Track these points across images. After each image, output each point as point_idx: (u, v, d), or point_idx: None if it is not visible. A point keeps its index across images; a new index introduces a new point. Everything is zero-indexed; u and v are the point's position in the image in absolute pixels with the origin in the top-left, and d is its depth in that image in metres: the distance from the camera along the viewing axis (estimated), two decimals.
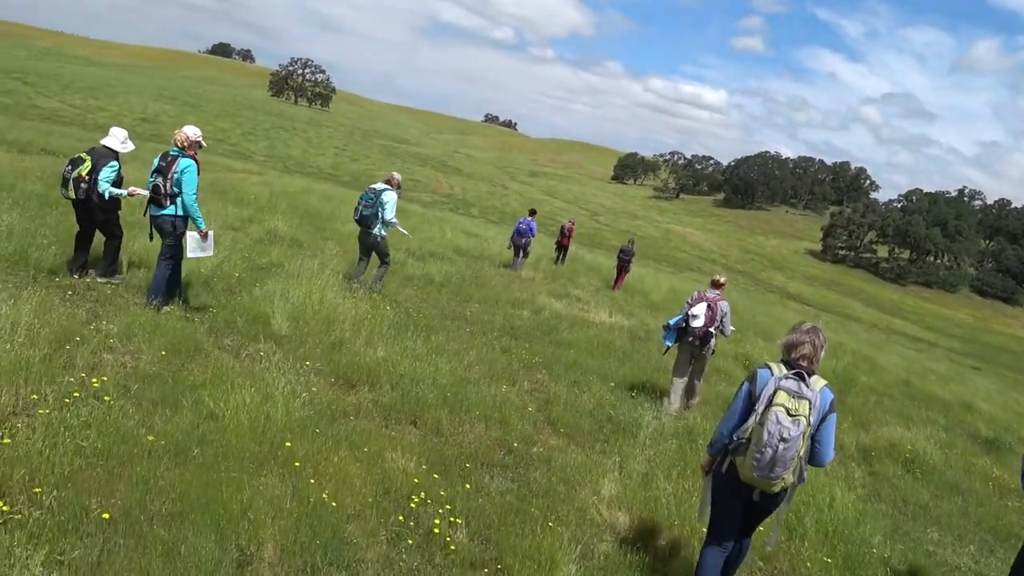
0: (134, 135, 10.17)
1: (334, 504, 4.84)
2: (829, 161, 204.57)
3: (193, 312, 8.60)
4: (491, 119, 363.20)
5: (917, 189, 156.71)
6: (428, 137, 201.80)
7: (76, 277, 8.92)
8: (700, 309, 9.48)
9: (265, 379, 6.73)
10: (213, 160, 44.63)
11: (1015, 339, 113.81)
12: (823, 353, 4.60)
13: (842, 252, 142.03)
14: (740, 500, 4.67)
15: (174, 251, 8.36)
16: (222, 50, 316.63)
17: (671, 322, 9.75)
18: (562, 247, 25.92)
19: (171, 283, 8.48)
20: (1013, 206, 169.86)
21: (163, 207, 8.19)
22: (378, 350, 8.42)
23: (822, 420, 4.45)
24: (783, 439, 4.27)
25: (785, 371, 4.45)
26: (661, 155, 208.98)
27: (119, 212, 9.24)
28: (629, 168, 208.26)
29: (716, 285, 9.92)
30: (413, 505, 5.18)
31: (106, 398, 5.52)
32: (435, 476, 5.69)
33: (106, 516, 4.11)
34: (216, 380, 6.28)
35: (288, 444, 5.47)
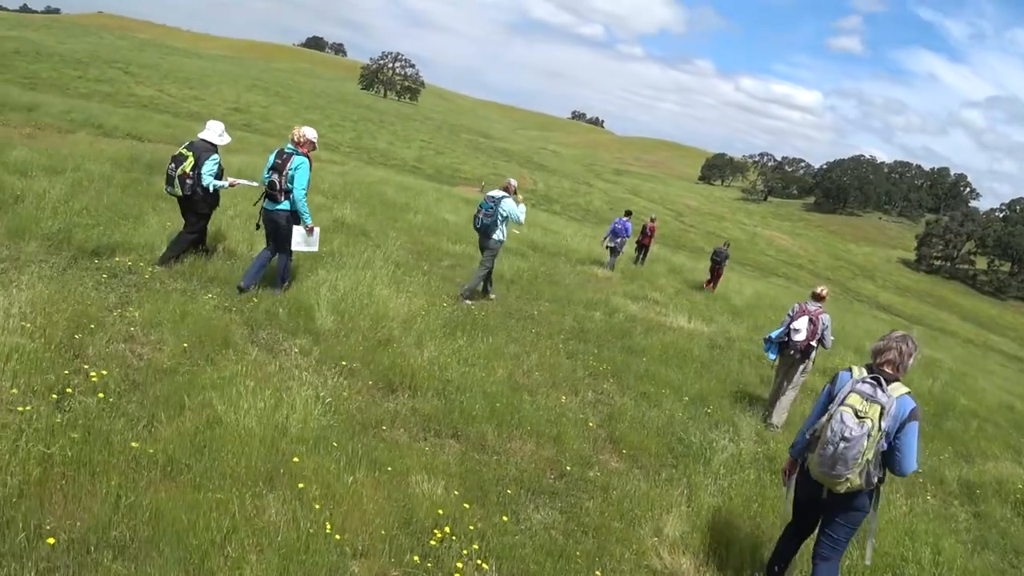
0: (226, 124, 9.90)
1: (338, 537, 4.08)
2: (927, 167, 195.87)
3: (238, 302, 8.02)
4: (578, 116, 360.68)
5: (1022, 198, 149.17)
6: (514, 133, 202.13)
7: (163, 267, 8.78)
8: (802, 323, 9.45)
9: (288, 380, 6.01)
10: None
11: None
12: (911, 361, 4.59)
13: (937, 262, 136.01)
14: (811, 498, 4.77)
15: (288, 244, 8.67)
16: (315, 44, 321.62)
17: (772, 335, 9.79)
18: (643, 246, 25.40)
19: (285, 272, 8.89)
20: None
21: (278, 202, 8.50)
22: (427, 350, 7.67)
23: (900, 428, 4.40)
24: (844, 438, 4.33)
25: (864, 374, 4.52)
26: (750, 156, 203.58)
27: (215, 206, 9.41)
28: (716, 169, 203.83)
29: (817, 298, 9.84)
30: (435, 541, 4.38)
31: (100, 395, 4.86)
32: (466, 506, 4.87)
33: (51, 541, 3.42)
34: (231, 379, 5.57)
35: (296, 459, 4.73)
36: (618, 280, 18.66)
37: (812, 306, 9.61)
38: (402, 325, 8.36)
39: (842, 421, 4.35)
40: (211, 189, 8.86)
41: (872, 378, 4.45)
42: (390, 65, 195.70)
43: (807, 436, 4.72)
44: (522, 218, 11.73)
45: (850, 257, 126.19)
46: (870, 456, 4.35)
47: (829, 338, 9.70)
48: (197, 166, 8.67)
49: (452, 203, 27.29)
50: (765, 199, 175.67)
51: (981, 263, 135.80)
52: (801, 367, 9.57)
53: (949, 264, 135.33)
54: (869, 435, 4.31)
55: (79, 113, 29.05)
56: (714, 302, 20.13)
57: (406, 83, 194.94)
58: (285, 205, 8.49)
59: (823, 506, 4.73)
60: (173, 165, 8.68)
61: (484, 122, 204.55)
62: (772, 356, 9.85)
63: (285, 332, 7.54)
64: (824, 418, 4.53)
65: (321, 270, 9.60)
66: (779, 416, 9.54)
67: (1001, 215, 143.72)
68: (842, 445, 4.33)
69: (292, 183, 8.37)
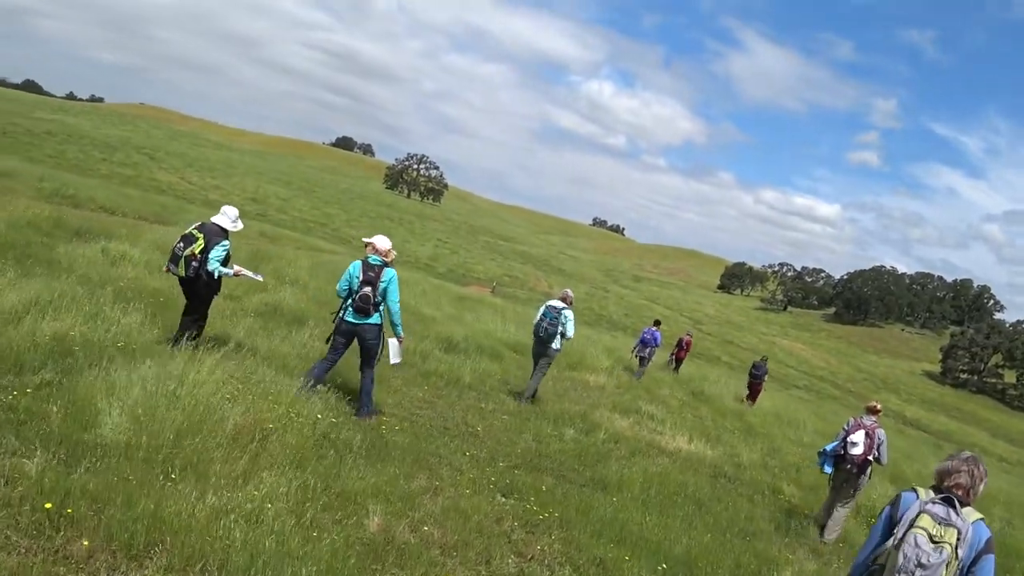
0: (241, 212, 9.52)
1: None
2: (948, 278, 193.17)
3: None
4: (599, 223, 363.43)
5: None
6: (534, 236, 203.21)
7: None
8: (859, 437, 9.41)
9: None
10: (305, 240, 43.30)
11: None
12: (982, 487, 4.13)
13: (964, 376, 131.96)
14: None
15: (374, 359, 8.53)
16: (345, 144, 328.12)
17: (828, 448, 9.70)
18: (678, 360, 25.33)
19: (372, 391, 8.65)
20: None
21: (369, 316, 8.35)
22: (228, 493, 4.97)
23: (975, 561, 3.93)
24: (920, 564, 3.88)
25: (933, 495, 4.08)
26: (770, 266, 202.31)
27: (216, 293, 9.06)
28: (736, 278, 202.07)
29: (872, 411, 9.91)
30: None
31: None
32: None
33: None
34: None
35: None
36: (613, 389, 15.96)
37: (868, 420, 9.64)
38: (231, 442, 5.71)
39: (916, 545, 3.92)
40: (216, 275, 8.58)
41: (943, 498, 4.04)
42: (415, 166, 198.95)
43: (870, 565, 4.15)
44: (570, 333, 11.99)
45: (872, 369, 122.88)
46: None
47: (885, 453, 9.68)
48: (206, 250, 8.46)
49: (440, 298, 24.93)
50: (784, 309, 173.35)
51: (1009, 376, 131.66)
52: (858, 482, 9.50)
53: (976, 377, 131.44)
54: (947, 564, 3.87)
55: (51, 182, 27.35)
56: (723, 418, 17.27)
57: (430, 184, 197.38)
58: (376, 319, 8.42)
59: None
60: (182, 244, 8.48)
61: (505, 225, 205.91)
62: (828, 470, 9.66)
63: (51, 445, 4.91)
64: (890, 543, 4.04)
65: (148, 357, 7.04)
66: (833, 532, 9.39)
67: None
68: (919, 573, 3.89)
69: (384, 296, 8.34)
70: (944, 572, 3.88)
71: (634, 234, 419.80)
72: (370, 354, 8.48)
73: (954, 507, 4.00)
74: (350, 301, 8.39)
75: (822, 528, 9.47)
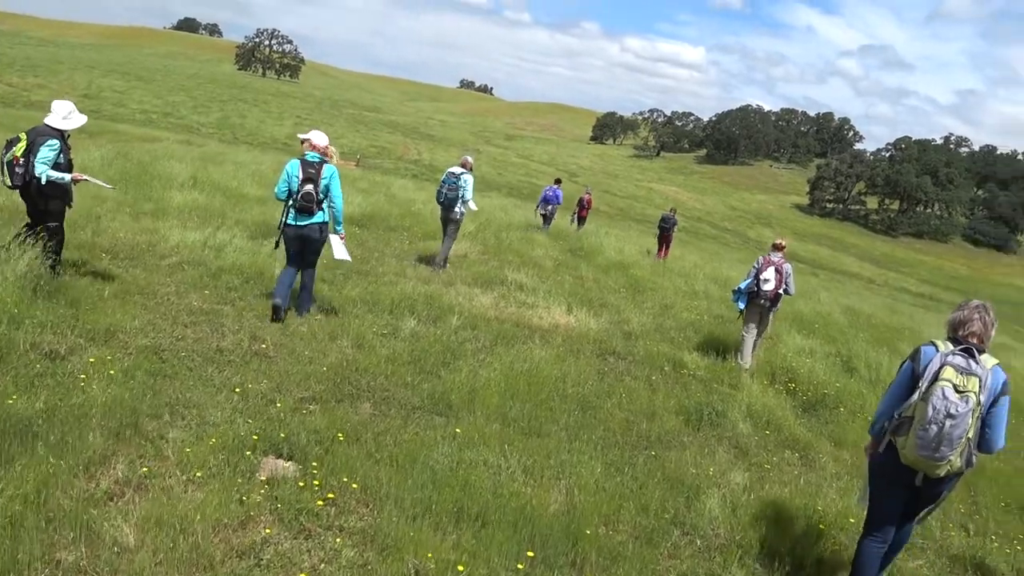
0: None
1: None
2: (811, 113, 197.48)
3: None
4: (467, 85, 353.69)
5: (906, 137, 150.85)
6: (401, 105, 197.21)
7: None
8: (770, 273, 9.85)
9: None
10: (132, 131, 38.20)
11: (1015, 289, 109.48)
12: (993, 332, 4.26)
13: (830, 205, 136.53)
14: (901, 486, 4.34)
15: (316, 258, 8.12)
16: (188, 25, 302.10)
17: (742, 286, 10.05)
18: (580, 218, 24.93)
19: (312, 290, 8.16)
20: (1000, 152, 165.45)
21: (313, 215, 7.83)
22: None
23: (993, 403, 4.09)
24: (950, 415, 3.95)
25: (952, 348, 4.14)
26: (640, 113, 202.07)
27: (68, 205, 7.67)
28: (608, 128, 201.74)
29: (778, 248, 10.26)
30: None
31: None
32: None
33: None
34: None
35: None
36: (477, 257, 13.46)
37: (775, 257, 10.04)
38: None
39: (945, 397, 3.96)
40: (43, 180, 7.20)
41: (963, 350, 4.09)
42: (266, 43, 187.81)
43: (895, 417, 4.22)
44: (469, 196, 12.04)
45: (746, 206, 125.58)
46: (971, 434, 4.04)
47: (793, 284, 10.27)
48: (31, 152, 7.17)
49: (263, 170, 21.60)
50: (658, 155, 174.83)
51: (872, 203, 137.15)
52: (770, 314, 10.11)
53: (841, 206, 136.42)
54: (973, 412, 3.98)
55: None
56: (607, 274, 15.06)
57: (285, 60, 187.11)
58: (320, 217, 7.89)
59: (916, 493, 4.33)
60: (4, 149, 7.27)
61: (370, 96, 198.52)
62: (741, 306, 10.07)
63: None
64: (915, 396, 4.10)
65: None
66: (749, 360, 9.79)
67: (887, 155, 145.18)
68: (948, 424, 3.95)
69: (325, 193, 7.85)
70: (970, 419, 3.97)
71: (503, 93, 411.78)
72: (311, 255, 8.00)
73: (973, 357, 4.06)
74: (292, 202, 7.83)
75: (738, 353, 9.86)
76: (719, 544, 4.81)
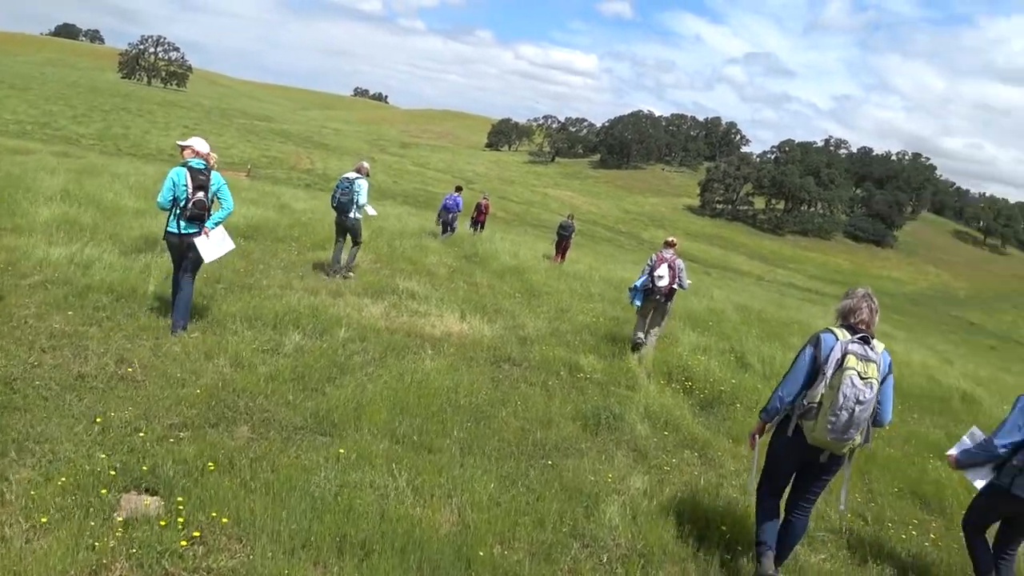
0: None
1: None
2: (700, 118, 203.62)
3: None
4: (361, 93, 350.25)
5: (789, 140, 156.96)
6: (294, 114, 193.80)
7: None
8: (663, 270, 10.24)
9: None
10: (3, 143, 35.89)
11: (892, 281, 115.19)
12: (878, 318, 4.57)
13: (720, 206, 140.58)
14: (801, 462, 4.68)
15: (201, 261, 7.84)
16: (67, 31, 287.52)
17: (638, 284, 10.42)
18: (478, 223, 24.85)
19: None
20: (875, 153, 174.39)
21: (204, 221, 7.63)
22: None
23: (882, 381, 4.43)
24: (859, 401, 4.26)
25: (849, 335, 4.42)
26: (535, 120, 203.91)
27: None
28: (503, 135, 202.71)
29: (670, 245, 10.71)
30: None
31: None
32: None
33: None
34: None
35: None
36: (370, 266, 13.04)
37: (668, 254, 10.45)
38: None
39: (853, 385, 4.27)
40: None
41: (860, 338, 4.41)
42: (151, 50, 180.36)
43: (804, 404, 4.48)
44: (363, 201, 11.95)
45: (639, 209, 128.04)
46: (869, 415, 4.37)
47: (686, 279, 10.76)
48: None
49: (144, 181, 20.60)
50: (553, 160, 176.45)
51: (759, 203, 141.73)
52: (666, 308, 10.53)
53: (730, 207, 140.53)
54: (875, 395, 4.33)
55: None
56: (502, 280, 14.86)
57: (171, 68, 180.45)
58: (209, 223, 7.68)
59: (816, 468, 4.67)
60: None
61: (261, 105, 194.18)
62: (638, 303, 10.46)
63: None
64: (822, 385, 4.38)
65: None
66: (649, 352, 10.10)
67: (772, 157, 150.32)
68: (858, 409, 4.27)
69: (217, 200, 7.81)
70: (874, 402, 4.34)
71: (398, 101, 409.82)
72: (197, 263, 7.73)
73: (869, 344, 4.40)
74: (178, 211, 7.49)
75: (636, 346, 10.26)
76: (620, 555, 4.63)
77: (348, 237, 12.18)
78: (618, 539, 4.75)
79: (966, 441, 5.25)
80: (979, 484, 5.12)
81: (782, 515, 4.81)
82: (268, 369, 6.47)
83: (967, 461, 5.08)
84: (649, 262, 10.46)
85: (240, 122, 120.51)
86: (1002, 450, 4.85)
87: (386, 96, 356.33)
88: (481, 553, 4.14)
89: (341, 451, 5.07)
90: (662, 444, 7.02)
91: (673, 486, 5.88)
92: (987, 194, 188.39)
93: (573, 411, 7.23)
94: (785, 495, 4.87)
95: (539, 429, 6.51)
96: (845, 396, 4.24)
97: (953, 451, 5.26)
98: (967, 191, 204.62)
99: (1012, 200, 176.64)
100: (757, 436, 4.92)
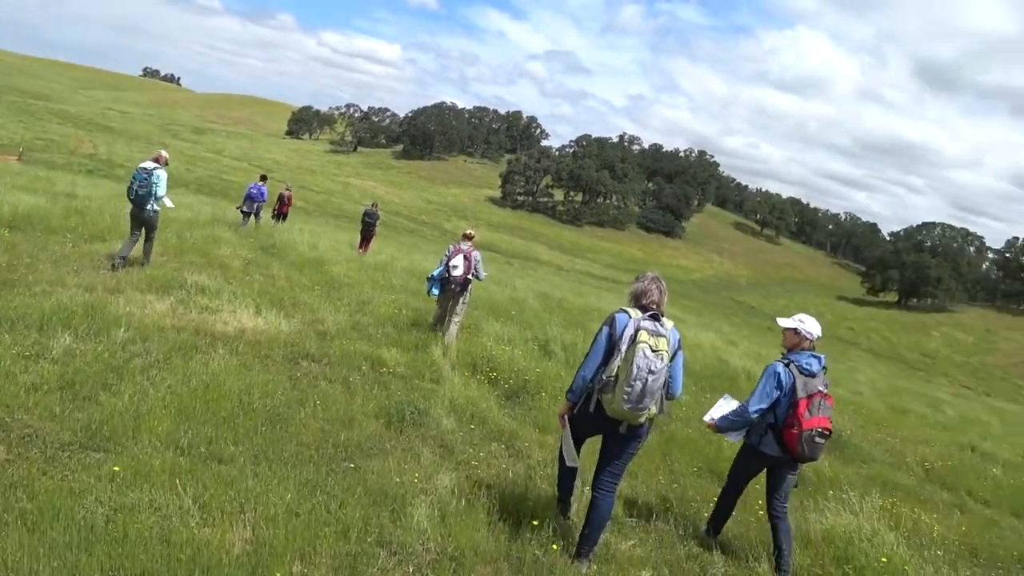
0: None
1: None
2: (502, 111, 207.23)
3: None
4: (151, 73, 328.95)
5: (586, 135, 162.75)
6: (76, 93, 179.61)
7: None
8: (459, 260, 10.53)
9: None
10: None
11: (680, 269, 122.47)
12: (666, 298, 4.97)
13: (521, 198, 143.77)
14: (604, 433, 5.00)
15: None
16: None
17: (435, 273, 10.66)
18: (281, 214, 24.56)
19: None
20: (665, 149, 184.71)
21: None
22: None
23: (673, 356, 4.83)
24: (651, 371, 4.58)
25: (641, 314, 4.78)
26: (337, 108, 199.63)
27: None
28: (304, 123, 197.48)
29: (468, 238, 10.96)
30: None
31: None
32: None
33: None
34: None
35: None
36: (154, 260, 12.02)
37: (464, 245, 10.73)
38: None
39: (645, 356, 4.58)
40: None
41: (651, 316, 4.76)
42: None
43: (602, 379, 4.77)
44: (161, 192, 11.56)
45: (442, 200, 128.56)
46: (662, 385, 4.69)
47: (482, 271, 11.02)
48: None
49: None
50: (355, 150, 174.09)
51: (558, 195, 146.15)
52: (462, 299, 10.70)
53: (531, 199, 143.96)
54: (666, 367, 4.68)
55: None
56: (301, 272, 14.26)
57: None
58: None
59: (616, 440, 4.94)
60: None
61: (38, 82, 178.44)
62: (435, 292, 10.71)
63: None
64: (617, 359, 4.68)
65: None
66: (452, 340, 10.38)
67: (571, 151, 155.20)
68: (650, 379, 4.58)
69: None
70: (665, 373, 4.69)
71: (192, 84, 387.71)
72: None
73: (659, 320, 4.79)
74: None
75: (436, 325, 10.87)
76: (430, 560, 4.39)
77: (143, 230, 11.56)
78: (427, 543, 4.52)
79: (722, 405, 5.97)
80: (733, 439, 5.90)
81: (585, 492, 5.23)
82: (31, 378, 5.68)
83: (726, 426, 5.70)
84: (447, 252, 10.73)
85: (11, 100, 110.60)
86: (754, 415, 5.46)
87: (179, 78, 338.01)
88: (279, 574, 3.77)
89: (116, 468, 4.47)
90: (469, 438, 6.89)
91: (482, 482, 5.73)
92: (763, 189, 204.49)
93: (376, 408, 6.94)
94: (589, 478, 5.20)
95: (341, 430, 6.17)
96: (639, 367, 4.55)
97: (711, 417, 5.89)
98: (746, 186, 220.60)
99: (784, 195, 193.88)
100: (565, 416, 5.11)
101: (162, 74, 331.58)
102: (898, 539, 5.83)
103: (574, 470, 5.28)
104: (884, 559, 5.47)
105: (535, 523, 5.03)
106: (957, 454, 12.68)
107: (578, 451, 5.15)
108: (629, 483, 6.74)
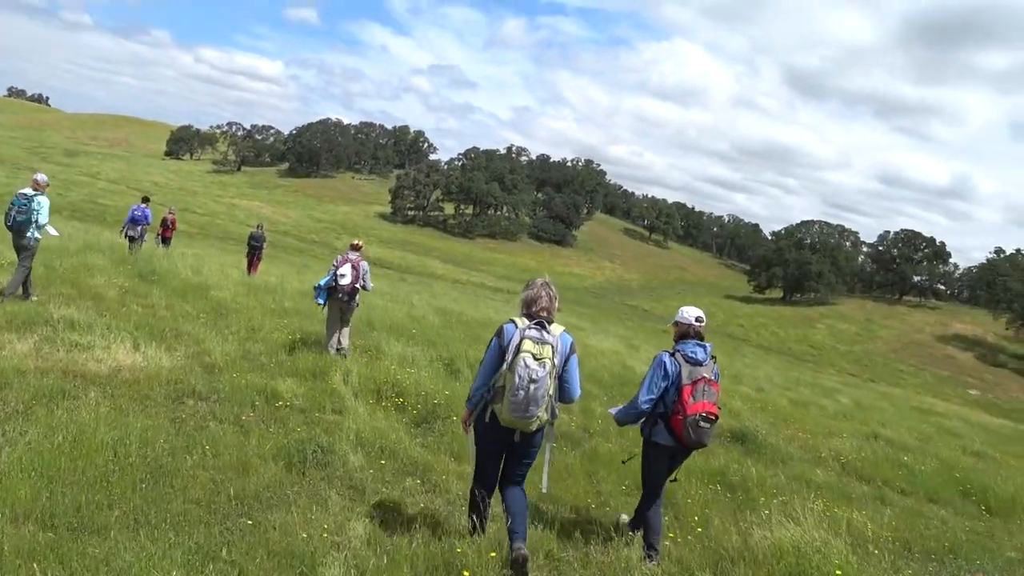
0: None
1: None
2: (389, 126, 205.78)
3: None
4: (16, 93, 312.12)
5: (475, 148, 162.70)
6: None
7: None
8: (346, 270, 10.60)
9: None
10: None
11: (574, 276, 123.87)
12: (557, 304, 5.04)
13: (411, 212, 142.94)
14: (502, 444, 5.04)
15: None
16: None
17: (322, 282, 10.64)
18: (165, 239, 24.03)
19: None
20: (553, 160, 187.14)
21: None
22: None
23: (565, 362, 4.96)
24: (532, 380, 4.70)
25: (528, 323, 4.88)
26: (218, 127, 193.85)
27: None
28: (184, 142, 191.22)
29: (356, 248, 11.14)
30: None
31: None
32: None
33: None
34: None
35: None
36: (19, 293, 10.87)
37: (352, 255, 10.89)
38: None
39: (526, 366, 4.70)
40: None
41: (536, 324, 4.85)
42: None
43: (489, 388, 4.92)
44: (44, 220, 11.17)
45: (331, 217, 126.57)
46: (551, 392, 4.84)
47: (370, 281, 11.25)
48: None
49: None
50: (239, 169, 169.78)
51: (449, 209, 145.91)
52: (350, 307, 10.81)
53: (422, 213, 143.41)
54: (550, 373, 4.78)
55: None
56: (184, 298, 13.19)
57: None
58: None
59: (514, 449, 5.04)
60: None
61: None
62: (321, 301, 10.69)
63: None
64: (504, 368, 4.79)
65: None
66: (346, 352, 10.66)
67: (459, 164, 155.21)
68: (532, 387, 4.71)
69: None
70: (549, 381, 4.78)
71: (62, 104, 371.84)
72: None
73: (545, 328, 4.87)
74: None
75: (335, 347, 10.65)
76: None
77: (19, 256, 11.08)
78: None
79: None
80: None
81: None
82: None
83: (624, 419, 5.80)
84: (335, 262, 10.81)
85: None
86: (645, 406, 5.55)
87: (47, 98, 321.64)
88: None
89: None
90: (380, 475, 6.30)
91: (400, 526, 5.14)
92: (649, 195, 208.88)
93: (274, 449, 6.22)
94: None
95: (235, 478, 5.45)
96: (520, 377, 4.69)
97: (613, 410, 6.00)
98: (632, 193, 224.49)
99: (670, 200, 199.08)
100: (467, 423, 5.23)
101: (28, 94, 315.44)
102: (845, 546, 5.56)
103: (487, 492, 5.18)
104: (839, 572, 5.14)
105: (465, 573, 4.48)
106: (865, 445, 12.76)
107: (498, 469, 5.15)
108: (556, 509, 6.30)
